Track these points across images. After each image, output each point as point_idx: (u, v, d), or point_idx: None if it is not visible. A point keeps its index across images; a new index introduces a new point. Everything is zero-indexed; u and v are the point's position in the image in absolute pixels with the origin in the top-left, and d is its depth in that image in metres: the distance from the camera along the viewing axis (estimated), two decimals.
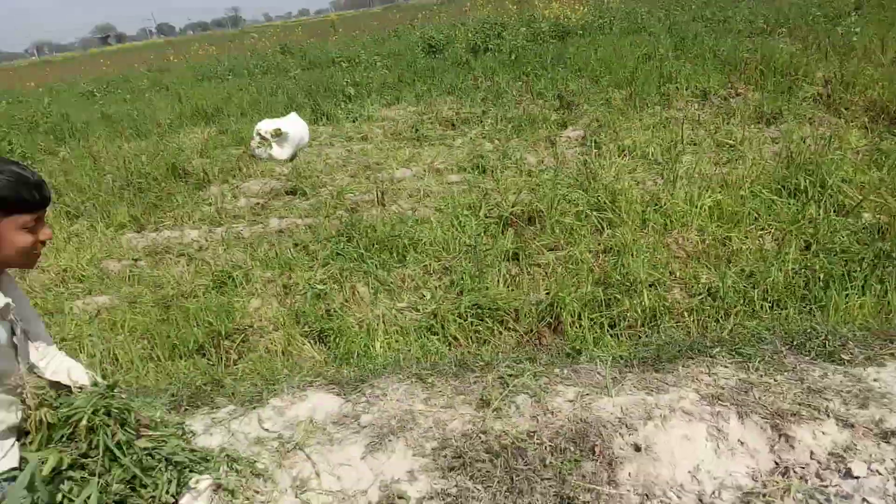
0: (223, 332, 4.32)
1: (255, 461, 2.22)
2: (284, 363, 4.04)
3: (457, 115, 8.99)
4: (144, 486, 1.83)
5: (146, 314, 4.60)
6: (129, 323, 4.50)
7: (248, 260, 5.37)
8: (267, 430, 3.12)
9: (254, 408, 3.33)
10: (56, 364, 1.93)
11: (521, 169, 6.49)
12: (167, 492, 1.84)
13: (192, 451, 2.01)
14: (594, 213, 5.03)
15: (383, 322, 4.29)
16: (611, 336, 3.81)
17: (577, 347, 3.43)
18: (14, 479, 1.65)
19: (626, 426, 2.65)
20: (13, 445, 1.66)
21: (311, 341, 4.32)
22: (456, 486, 2.60)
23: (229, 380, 3.73)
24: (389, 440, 2.89)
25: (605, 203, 5.10)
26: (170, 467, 1.91)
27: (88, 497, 1.68)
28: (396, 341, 4.13)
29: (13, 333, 1.68)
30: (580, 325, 3.93)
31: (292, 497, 2.76)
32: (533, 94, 9.36)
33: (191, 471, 1.98)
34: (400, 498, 2.62)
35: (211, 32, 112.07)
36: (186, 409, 3.39)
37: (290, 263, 5.21)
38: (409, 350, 3.95)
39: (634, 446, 2.58)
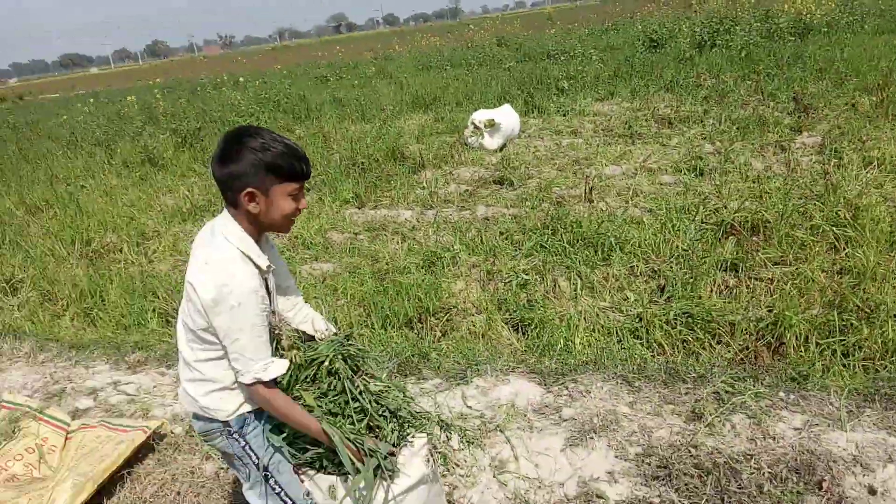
0: (430, 309, 4.52)
1: (467, 431, 2.30)
2: (485, 346, 4.14)
3: (675, 113, 8.60)
4: (371, 429, 1.98)
5: (364, 284, 4.94)
6: (349, 290, 4.87)
7: (455, 243, 5.57)
8: (470, 407, 3.24)
9: (458, 384, 3.47)
10: (302, 315, 2.17)
11: (746, 175, 6.06)
12: (389, 440, 1.98)
13: (412, 411, 2.14)
14: (832, 228, 4.57)
15: (584, 319, 4.25)
16: (843, 366, 3.45)
17: (804, 373, 3.14)
18: (260, 414, 1.87)
19: (862, 465, 2.40)
20: None
21: (511, 329, 4.38)
22: (659, 496, 2.52)
23: (434, 355, 3.91)
24: (591, 437, 2.87)
25: (845, 218, 4.60)
26: (392, 419, 2.05)
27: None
28: (597, 340, 4.07)
29: (268, 289, 1.88)
30: (806, 350, 3.60)
31: (490, 476, 2.84)
32: (764, 94, 8.69)
33: (410, 426, 2.11)
34: (598, 497, 2.60)
35: (431, 24, 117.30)
36: (396, 377, 3.61)
37: (494, 250, 5.32)
38: (611, 351, 3.87)
39: (869, 489, 2.33)
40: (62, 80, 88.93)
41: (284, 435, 1.96)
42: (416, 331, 4.41)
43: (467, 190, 7.08)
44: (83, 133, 12.68)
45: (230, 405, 1.84)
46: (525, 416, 3.14)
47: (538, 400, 3.25)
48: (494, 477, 2.84)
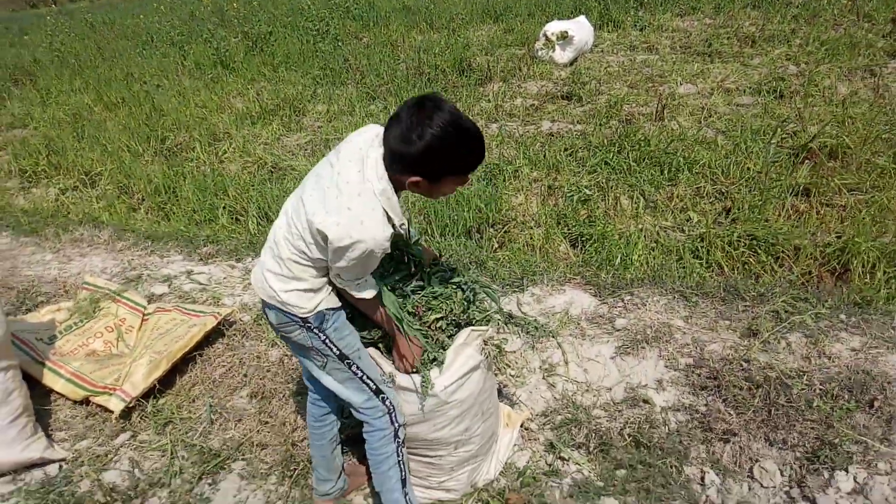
0: (490, 220, 4.55)
1: (536, 321, 2.37)
2: (542, 258, 4.17)
3: (760, 31, 8.10)
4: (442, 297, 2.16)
5: None
6: (410, 198, 4.92)
7: (518, 157, 5.52)
8: (524, 313, 3.30)
9: (513, 292, 3.52)
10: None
11: (829, 98, 5.74)
12: (455, 311, 2.14)
13: (475, 291, 2.24)
14: None
15: (644, 236, 4.21)
16: None
17: (868, 298, 3.07)
18: (338, 309, 1.98)
19: None
20: (331, 291, 1.96)
21: (569, 243, 4.38)
22: (706, 405, 2.56)
23: (491, 263, 3.96)
24: (642, 347, 2.90)
25: None
26: (460, 294, 2.18)
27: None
28: (655, 257, 4.04)
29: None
30: (872, 277, 3.50)
31: (539, 377, 2.93)
32: (859, 15, 8.08)
33: (474, 304, 2.21)
34: (645, 402, 2.66)
35: None
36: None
37: (557, 166, 5.26)
38: (670, 268, 3.85)
39: None
40: None
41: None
42: (474, 240, 4.46)
43: (533, 104, 6.93)
44: (158, 33, 12.85)
45: (310, 304, 1.90)
46: (578, 324, 3.19)
47: (592, 310, 3.28)
48: (544, 378, 2.92)
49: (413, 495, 2.22)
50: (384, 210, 1.74)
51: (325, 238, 1.73)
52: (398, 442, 2.11)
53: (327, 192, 1.76)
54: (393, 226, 1.77)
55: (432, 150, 1.67)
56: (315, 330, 1.94)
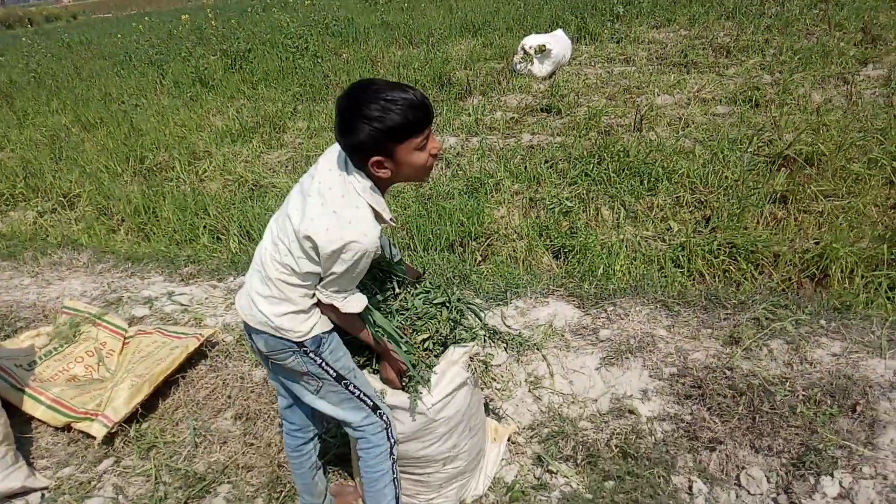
0: (472, 234, 4.56)
1: (521, 335, 2.37)
2: (525, 271, 4.18)
3: (734, 41, 8.24)
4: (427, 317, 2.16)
5: (407, 208, 5.00)
6: (393, 213, 4.93)
7: (499, 170, 5.54)
8: (509, 327, 3.31)
9: (497, 305, 3.53)
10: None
11: (804, 107, 5.84)
12: (441, 331, 2.15)
13: (461, 310, 2.23)
14: (891, 162, 4.40)
15: (626, 247, 4.24)
16: (888, 299, 3.39)
17: (848, 303, 3.11)
18: (332, 331, 1.95)
19: None
20: (322, 314, 1.92)
21: (551, 255, 4.40)
22: (691, 414, 2.57)
23: (475, 277, 3.96)
24: (626, 358, 2.92)
25: None
26: (445, 313, 2.18)
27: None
28: (637, 267, 4.07)
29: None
30: (851, 282, 3.55)
31: (525, 390, 2.93)
32: (831, 24, 8.24)
33: (460, 324, 2.22)
34: (630, 412, 2.66)
35: None
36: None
37: (538, 178, 5.29)
38: (652, 278, 3.87)
39: None
40: None
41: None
42: (457, 254, 4.46)
43: (513, 117, 6.99)
44: (136, 52, 12.80)
45: (303, 326, 1.86)
46: (562, 336, 3.20)
47: (576, 321, 3.29)
48: (529, 391, 2.92)
49: None
50: (370, 206, 1.73)
51: (314, 247, 1.71)
52: (393, 459, 2.10)
53: (310, 200, 1.74)
54: (384, 221, 1.77)
55: (355, 118, 1.64)
56: (311, 354, 1.90)
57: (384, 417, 2.06)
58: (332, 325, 1.94)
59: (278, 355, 1.92)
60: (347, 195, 1.72)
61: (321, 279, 1.81)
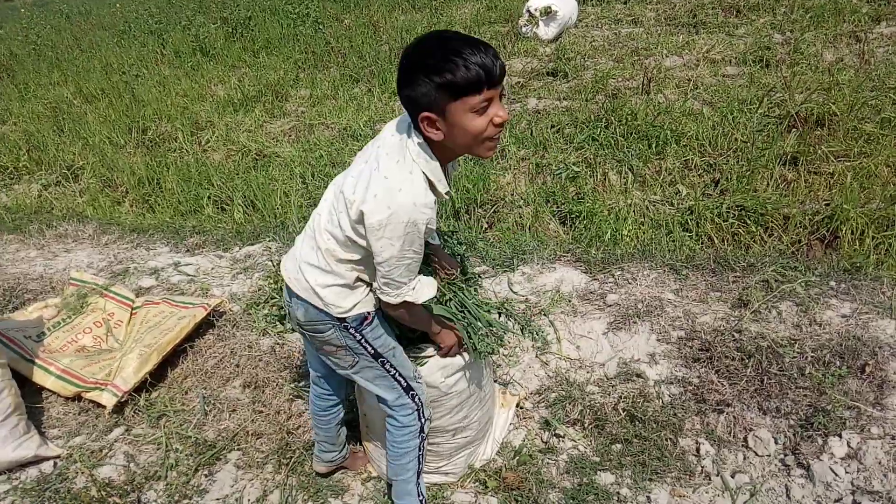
0: (478, 200, 4.53)
1: (528, 323, 2.35)
2: (532, 237, 4.15)
3: (744, 1, 8.08)
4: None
5: None
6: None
7: (505, 136, 5.48)
8: (516, 293, 3.29)
9: (504, 272, 3.51)
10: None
11: (815, 66, 5.73)
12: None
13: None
14: None
15: (633, 211, 4.20)
16: None
17: (857, 264, 3.07)
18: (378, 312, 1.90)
19: None
20: (368, 293, 1.85)
21: (558, 221, 4.37)
22: (699, 376, 2.56)
23: (481, 244, 3.94)
24: (634, 322, 2.90)
25: None
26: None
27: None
28: (645, 232, 4.03)
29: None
30: (861, 244, 3.51)
31: (532, 356, 2.93)
32: None
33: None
34: (638, 376, 2.66)
35: None
36: None
37: (544, 143, 5.23)
38: (660, 242, 3.84)
39: None
40: None
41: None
42: (462, 221, 4.43)
43: (518, 82, 6.89)
44: (135, 22, 12.66)
45: (347, 302, 1.80)
46: (569, 301, 3.18)
47: (583, 286, 3.27)
48: (537, 357, 2.92)
49: (423, 486, 2.21)
50: (424, 175, 1.60)
51: (362, 217, 1.59)
52: (422, 437, 2.08)
53: (367, 166, 1.65)
54: (438, 194, 1.64)
55: (414, 67, 1.51)
56: (351, 330, 1.85)
57: (416, 399, 2.02)
58: (376, 305, 1.86)
59: (316, 326, 1.87)
60: (402, 161, 1.60)
61: (380, 275, 1.70)
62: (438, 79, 1.47)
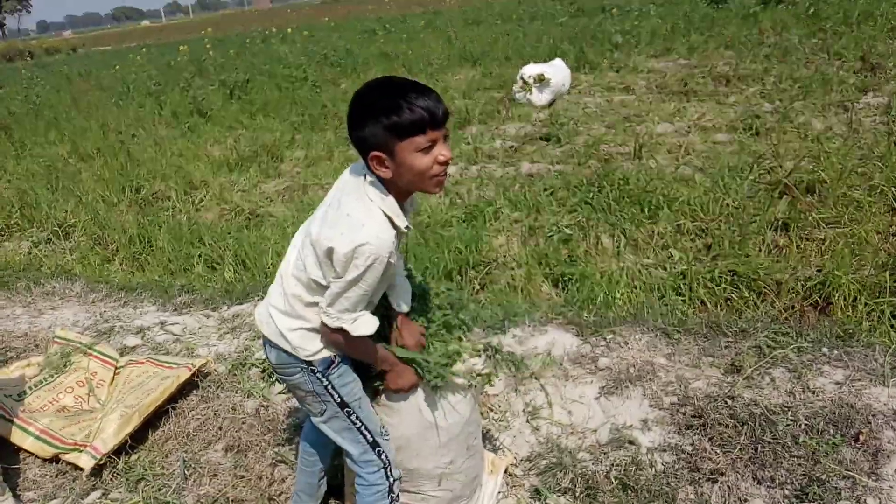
0: (470, 262, 4.52)
1: (523, 360, 2.32)
2: (523, 299, 4.13)
3: (734, 70, 8.30)
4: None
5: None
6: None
7: (498, 198, 5.52)
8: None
9: (495, 333, 3.47)
10: None
11: (804, 134, 5.84)
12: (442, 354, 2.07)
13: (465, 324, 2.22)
14: (892, 188, 4.37)
15: (626, 275, 4.19)
16: (891, 327, 3.33)
17: (850, 330, 3.05)
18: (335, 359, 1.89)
19: None
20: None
21: (550, 283, 4.35)
22: (692, 444, 2.50)
23: (473, 305, 3.90)
24: (626, 387, 2.85)
25: None
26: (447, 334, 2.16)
27: None
28: (637, 296, 4.01)
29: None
30: (854, 310, 3.49)
31: (523, 420, 2.86)
32: (829, 53, 8.30)
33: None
34: (630, 443, 2.59)
35: None
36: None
37: (537, 206, 5.26)
38: (652, 306, 3.82)
39: None
40: (115, 32, 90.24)
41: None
42: (455, 283, 4.41)
43: (512, 146, 7.00)
44: (135, 84, 12.92)
45: (313, 345, 1.83)
46: (561, 364, 3.13)
47: (574, 350, 3.23)
48: (527, 422, 2.85)
49: None
50: (384, 213, 1.68)
51: (330, 253, 1.65)
52: (392, 498, 2.01)
53: (329, 209, 1.73)
54: (397, 228, 1.70)
55: (362, 109, 1.62)
56: (318, 374, 1.87)
57: (382, 456, 1.98)
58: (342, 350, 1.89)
59: (286, 370, 1.91)
60: (361, 199, 1.69)
61: (329, 292, 1.72)
62: (386, 120, 1.58)
